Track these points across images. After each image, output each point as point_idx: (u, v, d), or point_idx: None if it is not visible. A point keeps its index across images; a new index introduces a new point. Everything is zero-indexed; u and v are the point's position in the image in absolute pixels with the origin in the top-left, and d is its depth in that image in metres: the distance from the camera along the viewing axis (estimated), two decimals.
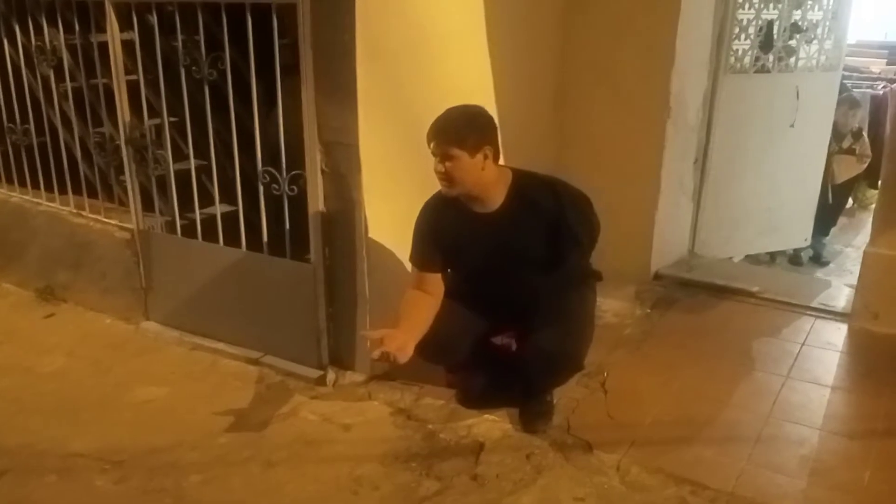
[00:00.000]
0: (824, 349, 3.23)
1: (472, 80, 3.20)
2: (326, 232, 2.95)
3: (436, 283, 2.64)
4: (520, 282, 2.59)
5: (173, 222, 3.40)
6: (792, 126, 4.19)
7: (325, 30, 2.70)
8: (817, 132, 4.32)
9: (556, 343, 2.49)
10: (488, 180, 2.49)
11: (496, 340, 2.79)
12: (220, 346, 3.34)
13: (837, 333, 3.35)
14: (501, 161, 2.56)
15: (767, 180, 4.24)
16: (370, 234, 2.89)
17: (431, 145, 2.43)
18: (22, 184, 3.92)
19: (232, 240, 3.23)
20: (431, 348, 2.55)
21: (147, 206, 3.47)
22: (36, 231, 3.89)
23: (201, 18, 3.01)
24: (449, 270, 2.69)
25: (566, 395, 2.82)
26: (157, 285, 3.53)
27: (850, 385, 2.99)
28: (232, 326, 3.32)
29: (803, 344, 3.26)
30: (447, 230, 2.58)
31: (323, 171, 2.87)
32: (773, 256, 5.03)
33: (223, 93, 3.12)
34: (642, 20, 3.55)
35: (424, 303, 2.59)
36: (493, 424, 2.71)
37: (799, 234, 4.53)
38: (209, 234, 3.29)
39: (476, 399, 2.82)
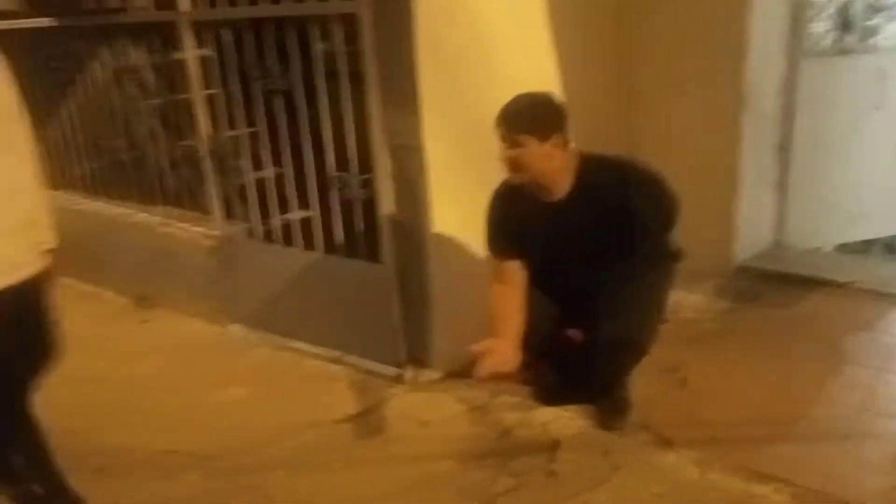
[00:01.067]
0: None
1: (534, 84, 3.19)
2: (398, 234, 3.01)
3: (517, 273, 2.58)
4: (587, 274, 2.51)
5: (254, 229, 3.54)
6: (878, 108, 3.98)
7: (387, 37, 2.76)
8: None
9: (616, 329, 2.44)
10: (556, 168, 2.42)
11: (567, 333, 2.77)
12: (303, 346, 3.45)
13: None
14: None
15: (855, 166, 4.04)
16: (438, 236, 2.93)
17: (500, 131, 2.37)
18: (115, 196, 4.16)
19: (310, 244, 3.33)
20: None
21: (230, 214, 3.63)
22: (129, 241, 4.12)
23: (272, 32, 3.12)
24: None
25: (643, 392, 2.78)
26: (242, 289, 3.68)
27: None
28: (313, 327, 3.43)
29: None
30: (515, 218, 2.53)
31: (391, 175, 2.93)
32: (867, 245, 4.79)
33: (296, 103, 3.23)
34: (709, 14, 3.46)
35: (513, 298, 2.54)
36: (568, 422, 2.71)
37: (892, 220, 4.30)
38: (289, 239, 3.41)
39: (551, 396, 2.81)
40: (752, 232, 3.86)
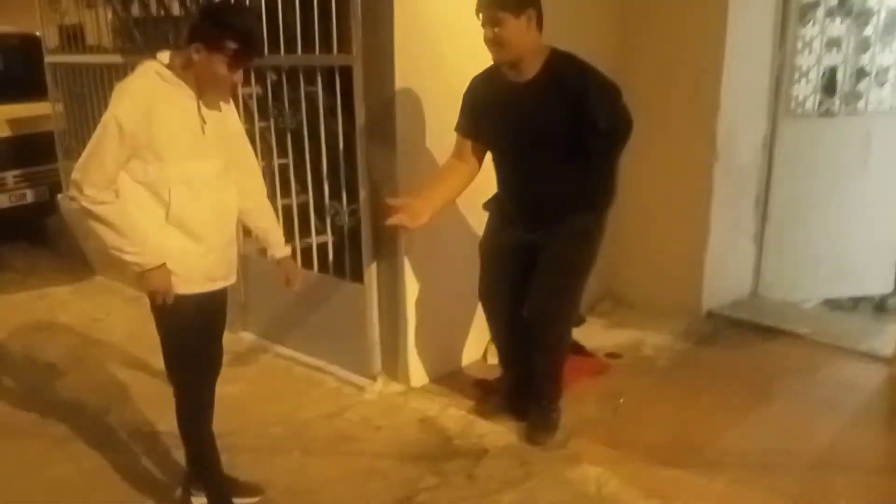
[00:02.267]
0: (852, 390, 3.23)
1: None
2: (377, 257, 3.41)
3: (472, 153, 2.86)
4: (544, 165, 2.70)
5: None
6: (863, 169, 4.14)
7: (373, 86, 3.19)
8: (895, 175, 4.22)
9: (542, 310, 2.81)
10: (532, 47, 2.62)
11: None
12: (297, 354, 3.86)
13: (873, 377, 3.32)
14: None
15: (837, 223, 4.19)
16: (411, 261, 3.31)
17: (480, 15, 2.60)
18: None
19: (308, 264, 3.76)
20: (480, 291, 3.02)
21: (246, 233, 4.10)
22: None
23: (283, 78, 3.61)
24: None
25: (578, 414, 3.07)
26: (253, 302, 4.13)
27: (864, 421, 3.00)
28: (307, 338, 3.84)
29: (834, 382, 3.27)
30: (485, 98, 2.78)
31: (370, 204, 3.33)
32: (856, 303, 4.86)
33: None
34: (690, 67, 3.75)
35: (454, 172, 2.87)
36: (500, 435, 3.01)
37: (879, 279, 4.40)
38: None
39: (490, 412, 3.13)
40: (726, 280, 4.07)
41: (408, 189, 3.20)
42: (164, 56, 2.26)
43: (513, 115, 2.70)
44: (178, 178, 2.24)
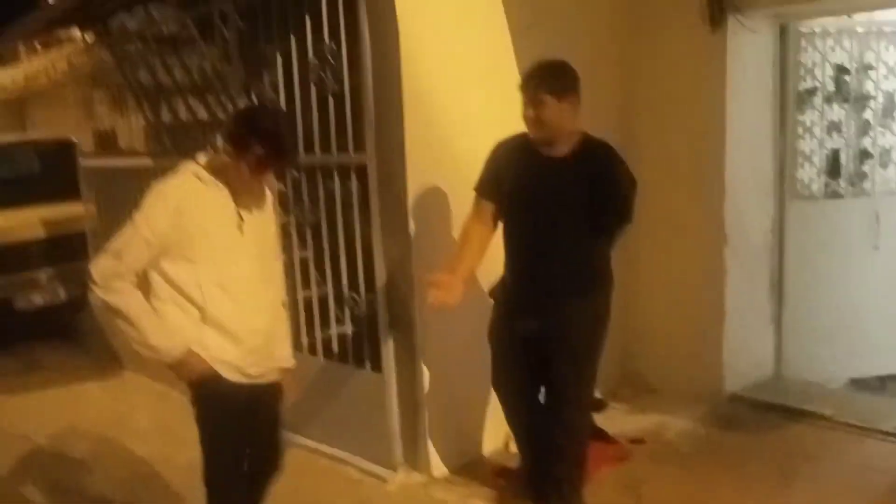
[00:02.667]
0: (879, 473, 3.17)
1: None
2: (395, 347, 3.47)
3: (488, 214, 2.91)
4: (564, 239, 2.78)
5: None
6: (876, 248, 4.18)
7: (386, 183, 3.34)
8: None
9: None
10: (569, 128, 2.74)
11: None
12: (320, 446, 3.87)
13: None
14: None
15: (854, 302, 4.20)
16: (429, 348, 3.37)
17: (524, 92, 2.71)
18: None
19: (330, 354, 3.83)
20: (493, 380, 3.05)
21: None
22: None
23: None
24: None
25: (599, 501, 3.03)
26: None
27: None
28: (328, 429, 3.87)
29: (859, 465, 3.22)
30: (514, 166, 2.83)
31: (387, 294, 3.42)
32: (884, 382, 4.80)
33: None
34: (694, 154, 3.87)
35: (478, 235, 2.90)
36: None
37: None
38: (313, 349, 3.92)
39: (513, 502, 3.12)
40: (747, 362, 4.07)
41: (422, 276, 3.30)
42: (202, 157, 2.36)
43: (543, 187, 2.77)
44: (212, 279, 2.26)
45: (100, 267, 2.24)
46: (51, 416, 4.57)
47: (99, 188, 5.60)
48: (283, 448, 2.65)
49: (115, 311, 2.23)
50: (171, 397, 4.83)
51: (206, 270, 2.27)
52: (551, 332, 2.83)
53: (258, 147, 2.24)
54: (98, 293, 2.23)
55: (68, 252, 5.93)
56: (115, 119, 5.53)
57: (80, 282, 5.78)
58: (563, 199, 2.76)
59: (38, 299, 5.95)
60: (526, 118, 2.77)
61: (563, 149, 2.77)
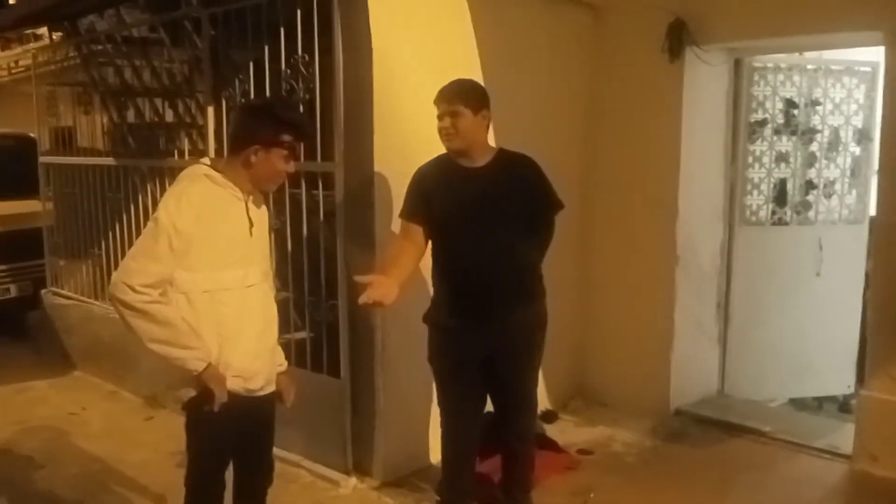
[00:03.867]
0: (811, 486, 3.34)
1: None
2: (352, 353, 3.53)
3: (419, 235, 2.96)
4: (500, 243, 2.84)
5: None
6: (818, 275, 4.39)
7: (353, 190, 3.41)
8: (848, 280, 4.46)
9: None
10: (483, 141, 2.89)
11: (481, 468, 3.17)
12: (277, 451, 3.89)
13: (832, 473, 3.44)
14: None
15: (795, 326, 4.39)
16: (386, 358, 3.43)
17: (440, 105, 2.83)
18: None
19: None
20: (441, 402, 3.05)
21: None
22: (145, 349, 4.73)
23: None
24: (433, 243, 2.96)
25: None
26: None
27: None
28: (287, 434, 3.88)
29: (794, 479, 3.38)
30: (436, 182, 2.91)
31: (348, 301, 3.49)
32: (821, 403, 5.02)
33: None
34: (651, 178, 4.04)
35: (407, 253, 2.95)
36: None
37: (840, 380, 4.56)
38: None
39: None
40: (692, 379, 4.23)
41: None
42: (206, 160, 2.32)
43: (471, 195, 2.86)
44: (225, 286, 2.23)
45: (141, 276, 2.12)
46: (0, 413, 4.51)
47: (57, 185, 5.56)
48: (273, 459, 2.63)
49: (156, 320, 2.13)
50: (122, 397, 4.84)
51: (219, 276, 2.22)
52: (499, 343, 2.90)
53: (286, 135, 2.22)
54: (138, 303, 2.11)
55: (22, 249, 5.87)
56: (78, 118, 5.50)
57: (33, 279, 5.84)
58: (495, 204, 2.85)
59: None
60: (441, 129, 2.87)
61: (483, 160, 2.89)
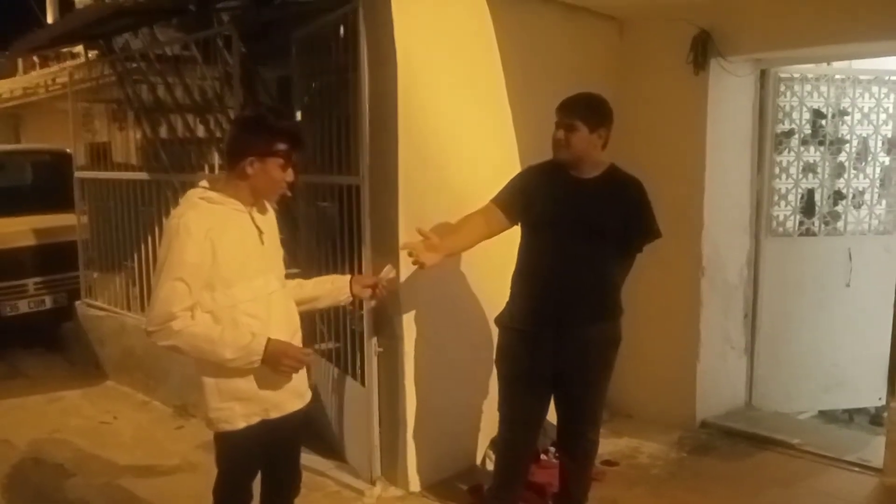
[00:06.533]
0: (840, 501, 3.29)
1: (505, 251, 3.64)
2: (380, 362, 3.55)
3: (498, 224, 2.96)
4: (589, 257, 2.85)
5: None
6: (848, 286, 4.33)
7: (379, 204, 3.45)
8: (877, 291, 4.38)
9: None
10: (594, 156, 2.86)
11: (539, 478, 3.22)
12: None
13: (863, 487, 3.39)
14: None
15: (825, 337, 4.34)
16: (411, 365, 3.46)
17: (558, 115, 2.83)
18: None
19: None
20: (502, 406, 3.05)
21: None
22: (176, 360, 4.81)
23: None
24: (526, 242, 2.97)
25: None
26: None
27: None
28: (309, 440, 3.93)
29: (823, 492, 3.33)
30: (543, 186, 2.91)
31: (374, 310, 3.52)
32: (851, 415, 4.94)
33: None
34: (676, 190, 4.01)
35: (477, 229, 2.96)
36: None
37: (870, 392, 4.49)
38: None
39: None
40: (719, 392, 4.19)
41: (410, 299, 3.41)
42: (204, 182, 2.33)
43: (572, 205, 2.86)
44: (248, 297, 2.25)
45: (151, 317, 2.18)
46: (32, 422, 4.60)
47: (92, 200, 5.69)
48: (300, 470, 2.65)
49: (180, 349, 2.19)
50: (153, 407, 4.91)
51: (240, 291, 2.24)
52: (572, 356, 2.89)
53: (280, 144, 2.24)
54: (158, 341, 2.18)
55: (58, 262, 6.00)
56: (113, 134, 5.64)
57: (68, 290, 5.96)
58: (593, 219, 2.84)
59: (23, 307, 5.99)
60: (554, 139, 2.87)
61: (592, 172, 2.88)
